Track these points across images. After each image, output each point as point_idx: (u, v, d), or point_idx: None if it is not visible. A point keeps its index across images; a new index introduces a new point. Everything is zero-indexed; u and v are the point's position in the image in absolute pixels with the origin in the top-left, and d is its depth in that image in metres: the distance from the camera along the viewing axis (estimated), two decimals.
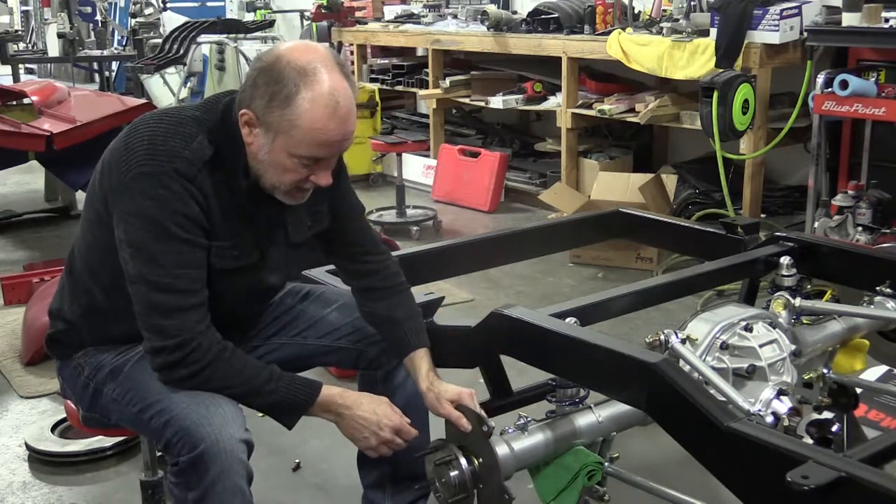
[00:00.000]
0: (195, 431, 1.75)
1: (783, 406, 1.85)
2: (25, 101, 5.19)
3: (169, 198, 1.75)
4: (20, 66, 9.64)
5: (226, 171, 1.83)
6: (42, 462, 2.91)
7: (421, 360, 2.04)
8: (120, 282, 1.83)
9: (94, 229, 1.90)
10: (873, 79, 4.01)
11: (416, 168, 6.51)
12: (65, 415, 2.80)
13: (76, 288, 1.98)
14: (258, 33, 8.66)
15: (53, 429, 3.04)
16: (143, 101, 5.77)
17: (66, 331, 2.01)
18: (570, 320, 1.96)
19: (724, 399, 1.77)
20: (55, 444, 2.96)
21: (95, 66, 10.68)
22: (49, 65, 12.82)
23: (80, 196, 5.72)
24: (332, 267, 2.35)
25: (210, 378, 1.81)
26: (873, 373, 2.71)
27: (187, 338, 1.77)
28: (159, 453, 2.45)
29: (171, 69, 8.36)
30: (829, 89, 3.91)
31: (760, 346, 1.99)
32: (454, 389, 1.96)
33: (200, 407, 1.78)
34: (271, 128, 1.77)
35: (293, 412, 1.88)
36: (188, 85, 9.20)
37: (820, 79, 3.97)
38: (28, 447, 2.96)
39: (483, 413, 1.90)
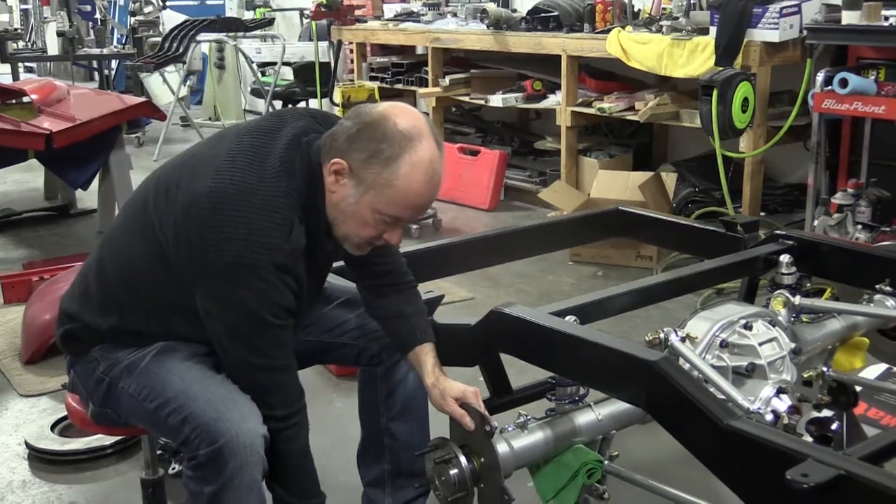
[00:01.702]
0: (214, 427, 1.78)
1: (783, 404, 1.85)
2: (25, 99, 5.17)
3: (267, 290, 1.78)
4: (19, 64, 9.64)
5: (312, 240, 1.84)
6: (42, 461, 2.91)
7: (426, 354, 2.04)
8: (166, 315, 1.89)
9: (155, 265, 1.87)
10: (873, 77, 4.01)
11: None
12: (65, 413, 2.78)
13: (107, 301, 1.96)
14: (257, 31, 8.66)
15: (53, 427, 3.04)
16: (142, 99, 5.76)
17: (83, 328, 1.99)
18: (570, 318, 1.96)
19: (723, 397, 1.77)
20: (55, 443, 2.96)
21: (95, 64, 10.66)
22: (48, 63, 12.80)
23: (80, 194, 5.73)
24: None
25: (300, 453, 1.91)
26: (873, 371, 2.71)
27: (293, 411, 1.88)
28: (159, 451, 2.45)
29: (171, 67, 8.36)
30: (829, 87, 3.91)
31: (760, 344, 1.99)
32: (459, 387, 1.96)
33: (218, 403, 1.81)
34: (364, 182, 1.79)
35: None
36: (188, 83, 9.21)
37: (819, 77, 3.97)
38: (28, 446, 2.96)
39: (487, 413, 1.90)
